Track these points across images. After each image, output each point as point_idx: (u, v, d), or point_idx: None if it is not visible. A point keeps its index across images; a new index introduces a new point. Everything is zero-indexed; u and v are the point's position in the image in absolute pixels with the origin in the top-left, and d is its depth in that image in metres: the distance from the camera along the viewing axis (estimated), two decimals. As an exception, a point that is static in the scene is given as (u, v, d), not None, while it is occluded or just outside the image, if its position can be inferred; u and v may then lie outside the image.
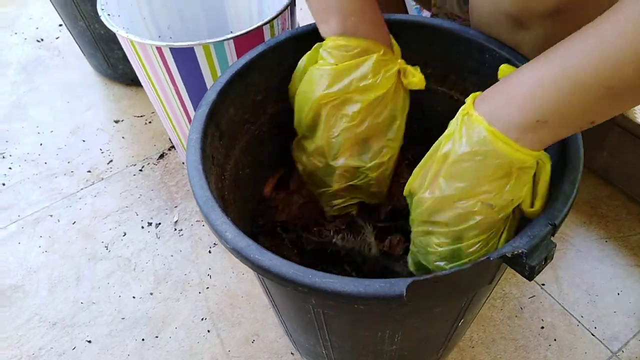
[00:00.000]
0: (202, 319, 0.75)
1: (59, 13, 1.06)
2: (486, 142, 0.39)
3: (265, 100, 0.61)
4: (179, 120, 0.80)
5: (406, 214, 0.51)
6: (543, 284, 0.76)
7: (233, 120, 0.56)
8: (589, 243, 0.80)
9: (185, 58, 0.66)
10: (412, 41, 0.59)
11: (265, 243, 0.61)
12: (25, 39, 1.33)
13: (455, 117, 0.43)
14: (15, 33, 1.35)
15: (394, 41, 0.55)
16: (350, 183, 0.56)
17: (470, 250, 0.44)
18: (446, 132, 0.44)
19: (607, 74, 0.34)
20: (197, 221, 0.87)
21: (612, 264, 0.77)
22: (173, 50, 0.65)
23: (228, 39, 0.64)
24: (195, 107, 0.75)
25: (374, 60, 0.49)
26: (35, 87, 1.17)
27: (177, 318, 0.75)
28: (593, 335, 0.71)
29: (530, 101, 0.38)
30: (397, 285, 0.35)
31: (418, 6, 1.02)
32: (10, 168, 0.99)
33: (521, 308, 0.74)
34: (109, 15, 0.72)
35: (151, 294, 0.78)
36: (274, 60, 0.58)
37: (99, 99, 1.13)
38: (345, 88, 0.50)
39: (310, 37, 0.57)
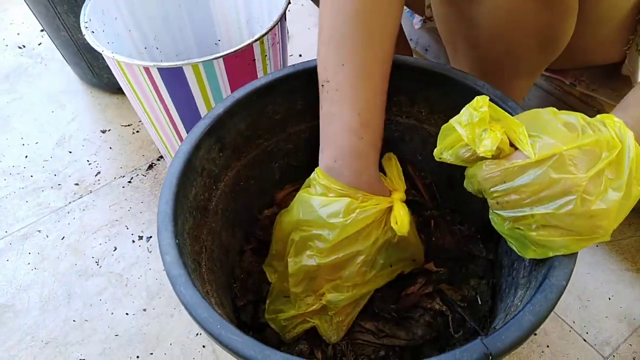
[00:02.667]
0: (197, 334, 0.74)
1: (40, 22, 1.04)
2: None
3: (285, 120, 0.62)
4: (167, 134, 0.79)
5: None
6: (535, 291, 0.77)
7: (242, 135, 0.58)
8: (580, 248, 0.80)
9: (173, 77, 0.65)
10: (426, 87, 0.59)
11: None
12: (7, 45, 1.30)
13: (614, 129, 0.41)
14: (-4, 39, 1.33)
15: (396, 180, 0.56)
16: (309, 310, 0.54)
17: None
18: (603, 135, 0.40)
19: None
20: (188, 234, 0.87)
21: (603, 269, 0.78)
22: (161, 70, 0.64)
23: (217, 58, 0.63)
24: (184, 123, 0.74)
25: (347, 202, 0.50)
26: (18, 97, 1.15)
27: (171, 334, 0.75)
28: (585, 340, 0.72)
29: None
30: None
31: (410, 10, 1.01)
32: (-5, 182, 0.98)
33: (515, 315, 0.75)
34: (92, 32, 0.71)
35: (144, 310, 0.78)
36: (301, 83, 0.58)
37: (85, 108, 1.11)
38: (317, 219, 0.51)
39: None
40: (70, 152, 1.02)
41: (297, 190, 0.68)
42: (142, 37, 0.89)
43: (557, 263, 0.40)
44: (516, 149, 0.41)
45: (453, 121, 0.43)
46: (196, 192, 0.52)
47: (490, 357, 0.35)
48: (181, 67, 0.64)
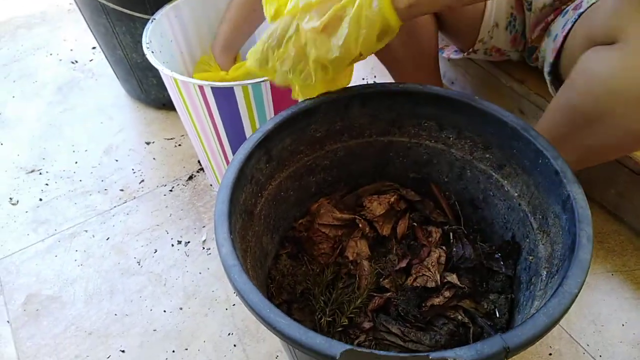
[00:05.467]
0: (229, 334, 0.80)
1: (97, 41, 1.13)
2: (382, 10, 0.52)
3: (325, 138, 0.68)
4: (212, 148, 0.86)
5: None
6: (551, 313, 0.80)
7: (287, 149, 0.64)
8: (596, 276, 0.84)
9: (224, 96, 0.72)
10: (454, 115, 0.65)
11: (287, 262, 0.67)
12: (60, 60, 1.40)
13: None
14: (50, 54, 1.43)
15: None
16: None
17: None
18: None
19: None
20: (224, 241, 0.93)
21: (618, 296, 0.82)
22: (214, 89, 0.71)
23: (265, 81, 0.70)
24: (230, 138, 0.81)
25: None
26: (69, 108, 1.24)
27: (205, 332, 0.80)
28: (598, 363, 0.75)
29: None
30: (335, 347, 0.39)
31: (441, 48, 1.07)
32: (47, 184, 1.05)
33: (530, 335, 0.78)
34: (152, 52, 0.78)
35: (181, 308, 0.83)
36: (341, 107, 0.65)
37: (131, 121, 1.20)
38: None
39: (378, 96, 0.65)
40: (116, 160, 1.10)
41: (330, 203, 0.74)
42: (191, 59, 0.97)
43: (570, 274, 0.45)
44: None
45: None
46: (245, 197, 0.58)
47: (508, 350, 0.40)
48: (232, 88, 0.71)
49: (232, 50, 0.93)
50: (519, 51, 0.93)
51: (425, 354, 0.39)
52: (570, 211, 0.51)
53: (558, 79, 0.79)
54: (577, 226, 0.49)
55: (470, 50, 0.92)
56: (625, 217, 0.89)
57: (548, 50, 0.80)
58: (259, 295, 0.44)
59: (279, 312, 0.43)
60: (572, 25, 0.73)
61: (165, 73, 0.75)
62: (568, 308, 0.43)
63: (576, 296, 0.44)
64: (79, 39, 1.47)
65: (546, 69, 0.80)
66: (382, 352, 0.39)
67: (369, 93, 0.65)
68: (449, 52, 1.00)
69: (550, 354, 0.76)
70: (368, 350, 0.39)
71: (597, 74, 0.58)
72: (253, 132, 0.61)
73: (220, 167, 0.91)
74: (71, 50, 1.44)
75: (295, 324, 0.42)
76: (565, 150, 0.59)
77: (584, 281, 0.45)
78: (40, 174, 1.08)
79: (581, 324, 0.79)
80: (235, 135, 0.81)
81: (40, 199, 1.02)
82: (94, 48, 1.43)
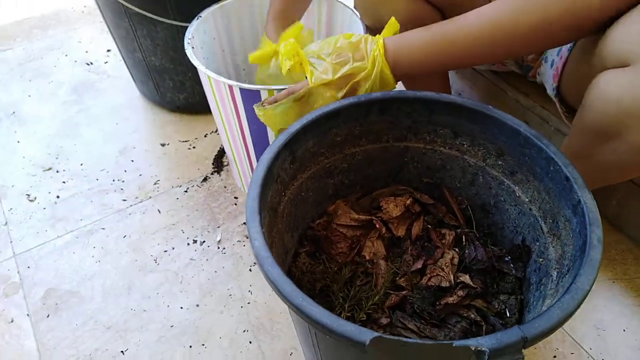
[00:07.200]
0: (244, 331, 0.82)
1: (116, 43, 1.16)
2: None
3: (345, 143, 0.71)
4: (237, 146, 0.89)
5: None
6: (555, 317, 0.84)
7: (309, 151, 0.67)
8: (598, 283, 0.87)
9: (251, 98, 0.75)
10: (468, 123, 0.68)
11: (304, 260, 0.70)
12: (76, 61, 1.43)
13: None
14: (66, 55, 1.46)
15: None
16: None
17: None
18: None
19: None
20: (238, 241, 0.95)
21: (619, 303, 0.85)
22: (242, 90, 0.74)
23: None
24: (253, 139, 0.84)
25: None
26: (85, 108, 1.27)
27: (221, 329, 0.83)
28: (600, 366, 0.78)
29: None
30: (364, 335, 0.42)
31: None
32: (64, 182, 1.08)
33: (535, 338, 0.81)
34: (192, 48, 0.82)
35: (197, 305, 0.86)
36: (361, 113, 0.68)
37: (145, 122, 1.23)
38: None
39: (396, 103, 0.68)
40: (132, 160, 1.12)
41: (347, 204, 0.77)
42: (232, 58, 1.02)
43: (582, 272, 0.48)
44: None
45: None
46: (272, 195, 0.61)
47: (526, 340, 0.43)
48: (259, 90, 0.74)
49: (283, 22, 0.88)
50: (518, 64, 0.97)
51: (449, 342, 0.42)
52: (581, 215, 0.54)
53: (563, 99, 0.83)
54: (587, 229, 0.52)
55: None
56: (625, 227, 0.93)
57: (547, 75, 0.84)
58: (291, 285, 0.47)
59: (311, 301, 0.46)
60: (569, 53, 0.76)
61: (201, 70, 0.78)
62: (580, 303, 0.46)
63: (588, 292, 0.47)
64: (94, 41, 1.50)
65: (552, 92, 0.84)
66: (408, 339, 0.42)
67: (387, 99, 0.68)
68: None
69: (554, 356, 0.79)
70: (396, 338, 0.42)
71: (613, 96, 0.61)
72: (276, 135, 0.64)
73: (243, 166, 0.94)
74: (86, 52, 1.47)
75: (327, 312, 0.45)
76: (586, 169, 0.62)
77: (595, 278, 0.49)
78: (57, 172, 1.10)
79: (584, 328, 0.82)
80: (258, 136, 0.84)
81: (58, 196, 1.05)
82: (108, 50, 1.46)
